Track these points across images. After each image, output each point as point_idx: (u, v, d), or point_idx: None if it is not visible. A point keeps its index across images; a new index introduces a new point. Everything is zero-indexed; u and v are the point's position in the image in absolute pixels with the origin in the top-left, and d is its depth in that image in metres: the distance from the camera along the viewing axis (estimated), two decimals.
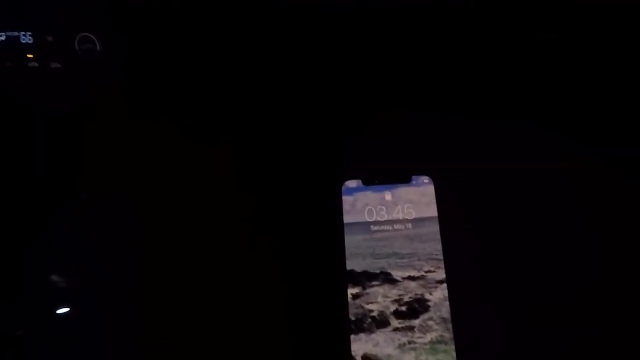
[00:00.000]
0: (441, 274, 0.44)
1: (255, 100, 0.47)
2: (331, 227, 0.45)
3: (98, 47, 0.47)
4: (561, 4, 0.45)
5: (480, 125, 0.47)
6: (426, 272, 0.44)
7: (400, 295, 0.43)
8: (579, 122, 0.46)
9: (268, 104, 0.47)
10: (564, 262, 0.44)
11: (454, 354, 0.41)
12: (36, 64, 0.47)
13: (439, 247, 0.44)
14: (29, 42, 0.47)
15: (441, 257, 0.44)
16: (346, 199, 0.46)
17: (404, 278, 0.44)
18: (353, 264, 0.44)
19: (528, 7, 0.45)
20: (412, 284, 0.44)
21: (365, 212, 0.46)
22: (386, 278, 0.44)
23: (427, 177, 0.47)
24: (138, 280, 0.43)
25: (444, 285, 0.43)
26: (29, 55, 0.47)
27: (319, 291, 0.44)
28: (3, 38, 0.46)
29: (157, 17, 0.47)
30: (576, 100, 0.46)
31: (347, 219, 0.46)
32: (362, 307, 0.43)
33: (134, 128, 0.46)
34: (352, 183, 0.47)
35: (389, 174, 0.47)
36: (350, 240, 0.45)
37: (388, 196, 0.46)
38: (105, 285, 0.43)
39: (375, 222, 0.46)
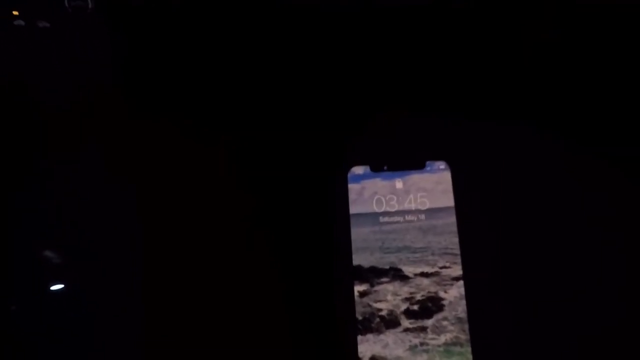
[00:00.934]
0: (457, 270, 0.40)
1: (255, 100, 0.46)
2: (336, 218, 0.42)
3: (90, 5, 0.45)
4: (561, 4, 0.45)
5: (480, 125, 0.45)
6: (441, 268, 0.41)
7: (411, 293, 0.40)
8: (579, 122, 0.45)
9: (268, 104, 0.46)
10: (592, 260, 0.41)
11: (470, 357, 0.38)
12: (22, 23, 0.45)
13: (456, 240, 0.41)
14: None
15: (457, 251, 0.41)
16: (352, 188, 0.43)
17: (416, 274, 0.41)
18: (360, 259, 0.41)
19: (528, 7, 0.46)
20: (425, 280, 0.40)
21: (374, 201, 0.42)
22: (396, 274, 0.41)
23: (443, 163, 0.43)
24: (137, 278, 0.42)
25: (460, 282, 0.40)
26: (14, 13, 0.44)
27: (324, 289, 0.41)
28: None
29: (157, 17, 0.47)
30: (576, 100, 0.45)
31: (353, 209, 0.42)
32: (370, 305, 0.40)
33: (133, 128, 0.46)
34: (359, 169, 0.43)
35: (400, 159, 0.43)
36: (357, 233, 0.41)
37: (399, 184, 0.43)
38: (104, 284, 0.42)
39: (385, 213, 0.42)
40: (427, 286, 0.40)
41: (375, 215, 0.42)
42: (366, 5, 0.46)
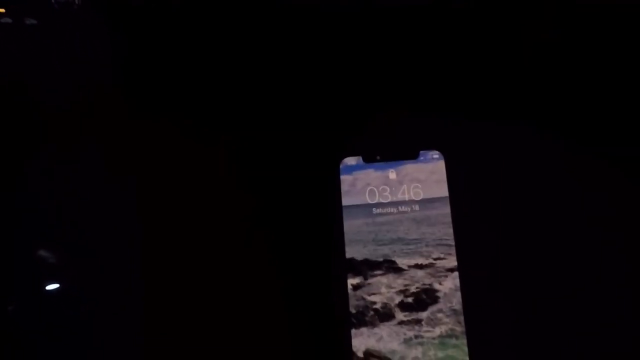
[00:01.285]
0: (452, 262, 0.40)
1: (255, 100, 0.46)
2: (328, 210, 0.41)
3: (77, 1, 0.45)
4: (561, 4, 0.45)
5: (480, 126, 0.44)
6: (435, 259, 0.40)
7: (406, 285, 0.39)
8: (579, 122, 0.44)
9: (268, 104, 0.46)
10: (587, 250, 0.40)
11: (465, 349, 0.37)
12: (10, 20, 0.45)
13: (450, 231, 0.40)
14: None
15: (452, 242, 0.40)
16: (345, 179, 0.42)
17: (410, 266, 0.40)
18: (353, 251, 0.40)
19: (528, 7, 0.45)
20: (420, 272, 0.40)
21: (367, 193, 0.42)
22: (390, 267, 0.40)
23: (437, 152, 0.42)
24: (136, 278, 0.42)
25: (455, 273, 0.39)
26: (1, 10, 0.45)
27: (317, 282, 0.41)
28: None
29: (157, 17, 0.47)
30: (576, 100, 0.44)
31: (346, 201, 0.41)
32: (364, 298, 0.39)
33: (133, 128, 0.46)
34: (351, 160, 0.43)
35: (393, 149, 0.42)
36: (350, 225, 0.41)
37: (392, 174, 0.42)
38: (104, 284, 0.42)
39: (378, 204, 0.41)
40: (421, 278, 0.40)
41: (368, 207, 0.41)
42: (366, 5, 0.46)
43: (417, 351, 0.38)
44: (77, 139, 0.46)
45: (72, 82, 0.47)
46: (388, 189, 0.42)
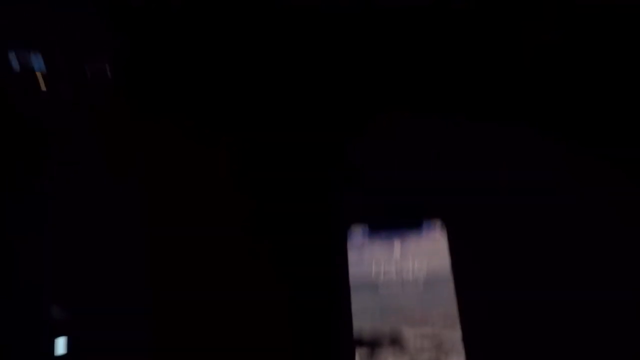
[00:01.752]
0: (457, 334, 0.40)
1: (256, 101, 0.46)
2: (336, 282, 0.42)
3: (109, 70, 0.46)
4: (562, 5, 0.44)
5: (480, 127, 0.45)
6: (440, 331, 0.40)
7: (412, 358, 0.40)
8: (581, 123, 0.44)
9: (268, 105, 0.46)
10: (599, 314, 0.40)
11: None
12: (44, 89, 0.46)
13: (454, 302, 0.41)
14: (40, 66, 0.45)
15: (456, 315, 0.40)
16: (351, 250, 0.43)
17: (416, 339, 0.40)
18: (360, 323, 0.41)
19: (529, 8, 0.44)
20: (425, 344, 0.40)
21: (373, 265, 0.42)
22: (396, 339, 0.41)
23: (439, 223, 0.43)
24: (137, 281, 0.42)
25: (460, 346, 0.40)
26: (42, 86, 0.45)
27: (325, 352, 0.41)
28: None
29: (158, 18, 0.46)
30: (577, 102, 0.44)
31: (352, 272, 0.42)
32: None
33: (134, 129, 0.46)
34: (358, 230, 0.43)
35: (397, 219, 0.43)
36: (356, 297, 0.42)
37: (397, 246, 0.43)
38: (104, 285, 0.42)
39: (383, 276, 0.42)
40: (427, 351, 0.40)
41: (374, 279, 0.42)
42: (366, 6, 0.45)
43: None
44: (78, 140, 0.45)
45: (73, 83, 0.46)
46: (393, 261, 0.42)
